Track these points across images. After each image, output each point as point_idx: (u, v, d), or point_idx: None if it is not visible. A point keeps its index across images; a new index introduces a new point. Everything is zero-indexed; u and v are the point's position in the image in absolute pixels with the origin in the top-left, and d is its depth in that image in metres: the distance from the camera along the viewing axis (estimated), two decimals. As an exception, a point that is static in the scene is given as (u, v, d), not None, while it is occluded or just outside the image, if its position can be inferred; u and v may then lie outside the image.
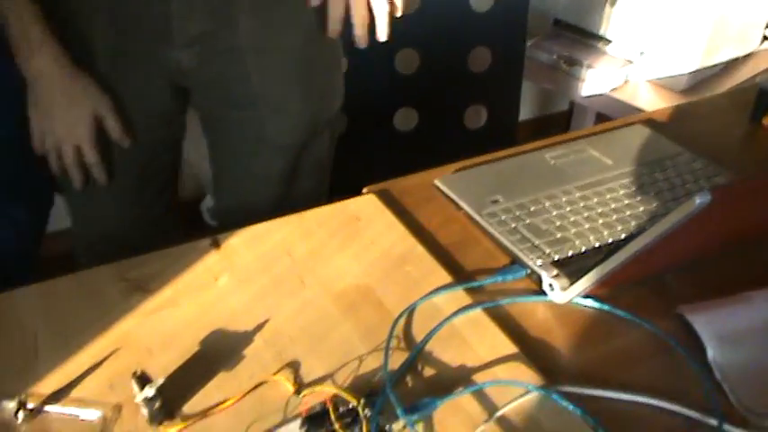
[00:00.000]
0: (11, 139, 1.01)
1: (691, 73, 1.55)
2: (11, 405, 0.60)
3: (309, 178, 1.07)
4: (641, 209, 0.84)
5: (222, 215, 1.16)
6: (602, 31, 1.65)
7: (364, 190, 0.89)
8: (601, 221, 0.82)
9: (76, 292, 0.73)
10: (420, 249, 0.80)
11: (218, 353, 0.67)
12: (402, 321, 0.71)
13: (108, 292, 0.73)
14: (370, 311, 0.72)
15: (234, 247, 0.79)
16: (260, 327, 0.70)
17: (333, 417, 0.60)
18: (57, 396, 0.62)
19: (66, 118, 0.94)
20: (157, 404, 0.60)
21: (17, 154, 1.02)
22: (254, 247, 0.79)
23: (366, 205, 0.86)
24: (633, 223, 0.81)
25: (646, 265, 0.73)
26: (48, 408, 0.61)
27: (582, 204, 0.84)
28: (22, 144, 0.97)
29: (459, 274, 0.77)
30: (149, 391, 0.59)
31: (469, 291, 0.75)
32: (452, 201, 0.87)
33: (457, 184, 0.88)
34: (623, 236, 0.80)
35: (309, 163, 1.06)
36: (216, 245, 0.79)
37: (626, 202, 0.85)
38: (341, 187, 0.95)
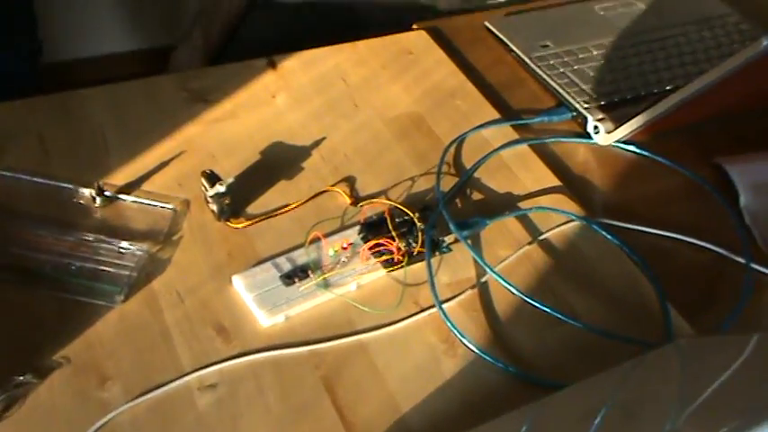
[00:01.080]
0: None
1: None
2: (88, 191, 0.63)
3: None
4: (688, 64, 0.85)
5: None
6: None
7: (414, 26, 0.90)
8: (648, 72, 0.83)
9: (140, 97, 0.75)
10: (469, 86, 0.82)
11: (278, 163, 0.70)
12: (452, 149, 0.74)
13: (170, 100, 0.75)
14: (421, 138, 0.75)
15: (289, 68, 0.81)
16: (317, 143, 0.73)
17: (391, 225, 0.64)
18: (129, 187, 0.65)
19: None
20: (227, 200, 0.63)
21: None
22: (308, 71, 0.81)
23: (417, 40, 0.87)
24: (680, 76, 0.83)
25: (689, 114, 0.75)
26: (122, 197, 0.64)
27: (631, 55, 0.86)
28: None
29: (507, 112, 0.80)
30: (221, 188, 0.62)
31: (516, 128, 0.77)
32: (502, 43, 0.88)
33: (507, 27, 0.89)
34: (668, 87, 0.82)
35: None
36: (272, 65, 0.81)
37: (673, 56, 0.86)
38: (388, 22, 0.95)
